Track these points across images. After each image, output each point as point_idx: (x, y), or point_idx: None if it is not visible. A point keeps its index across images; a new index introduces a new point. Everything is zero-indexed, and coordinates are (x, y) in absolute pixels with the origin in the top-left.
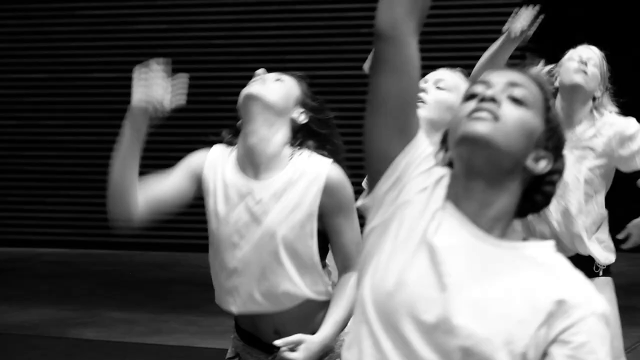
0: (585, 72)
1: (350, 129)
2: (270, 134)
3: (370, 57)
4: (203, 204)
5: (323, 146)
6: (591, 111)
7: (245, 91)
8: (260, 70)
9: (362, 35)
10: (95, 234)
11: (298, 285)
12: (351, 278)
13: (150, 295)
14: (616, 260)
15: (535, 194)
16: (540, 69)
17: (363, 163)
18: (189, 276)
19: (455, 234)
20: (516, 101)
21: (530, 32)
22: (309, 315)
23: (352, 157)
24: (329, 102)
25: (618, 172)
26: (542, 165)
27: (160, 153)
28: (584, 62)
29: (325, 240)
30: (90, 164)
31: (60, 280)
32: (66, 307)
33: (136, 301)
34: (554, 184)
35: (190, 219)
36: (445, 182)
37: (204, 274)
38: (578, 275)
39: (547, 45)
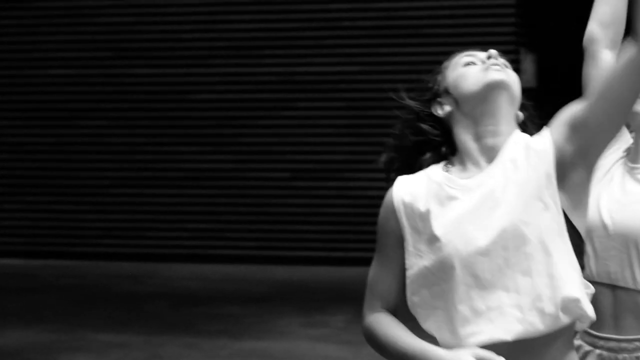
0: None
1: (331, 129)
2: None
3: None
4: (170, 212)
5: None
6: None
7: (490, 78)
8: (494, 52)
9: (344, 29)
10: (53, 243)
11: None
12: None
13: (135, 313)
14: None
15: None
16: None
17: (350, 166)
18: (167, 290)
19: None
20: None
21: None
22: None
23: (338, 157)
24: (308, 101)
25: None
26: None
27: (127, 156)
28: None
29: None
30: (49, 167)
31: (25, 295)
32: (45, 328)
33: (123, 320)
34: None
35: (160, 226)
36: None
37: (185, 287)
38: None
39: (540, 40)
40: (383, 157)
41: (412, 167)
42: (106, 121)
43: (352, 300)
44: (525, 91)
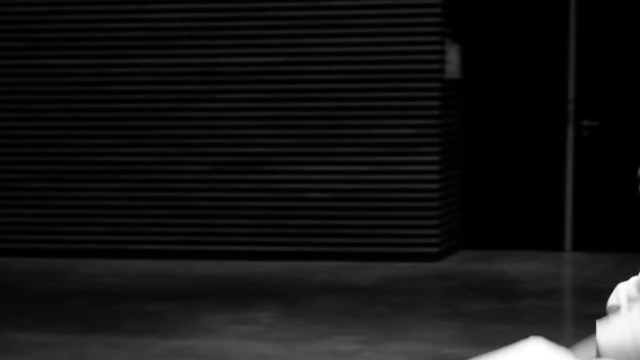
0: None
1: (252, 121)
2: None
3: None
4: (87, 206)
5: None
6: None
7: None
8: None
9: (268, 19)
10: None
11: None
12: None
13: (54, 311)
14: None
15: None
16: None
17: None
18: (85, 286)
19: None
20: None
21: None
22: None
23: (259, 152)
24: (229, 92)
25: None
26: None
27: (41, 149)
28: None
29: None
30: None
31: None
32: None
33: (42, 319)
34: None
35: (76, 221)
36: None
37: (103, 283)
38: None
39: (463, 30)
40: None
41: None
42: (19, 113)
43: (278, 295)
44: (450, 82)
